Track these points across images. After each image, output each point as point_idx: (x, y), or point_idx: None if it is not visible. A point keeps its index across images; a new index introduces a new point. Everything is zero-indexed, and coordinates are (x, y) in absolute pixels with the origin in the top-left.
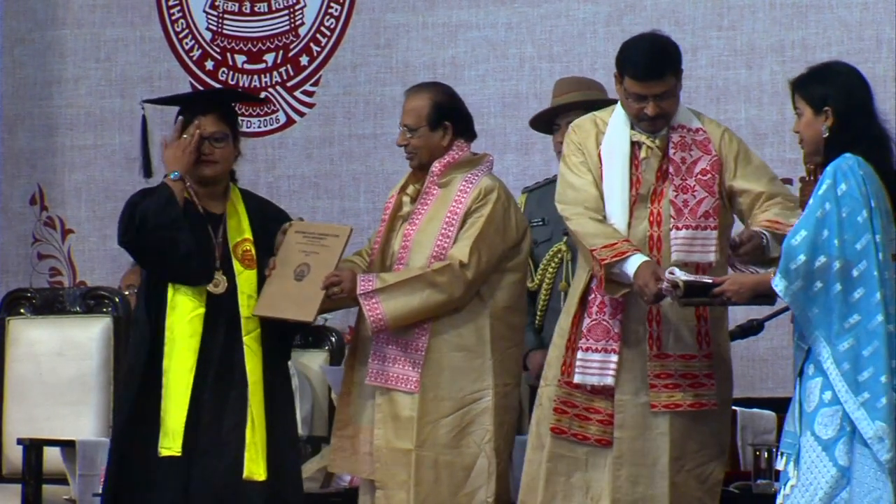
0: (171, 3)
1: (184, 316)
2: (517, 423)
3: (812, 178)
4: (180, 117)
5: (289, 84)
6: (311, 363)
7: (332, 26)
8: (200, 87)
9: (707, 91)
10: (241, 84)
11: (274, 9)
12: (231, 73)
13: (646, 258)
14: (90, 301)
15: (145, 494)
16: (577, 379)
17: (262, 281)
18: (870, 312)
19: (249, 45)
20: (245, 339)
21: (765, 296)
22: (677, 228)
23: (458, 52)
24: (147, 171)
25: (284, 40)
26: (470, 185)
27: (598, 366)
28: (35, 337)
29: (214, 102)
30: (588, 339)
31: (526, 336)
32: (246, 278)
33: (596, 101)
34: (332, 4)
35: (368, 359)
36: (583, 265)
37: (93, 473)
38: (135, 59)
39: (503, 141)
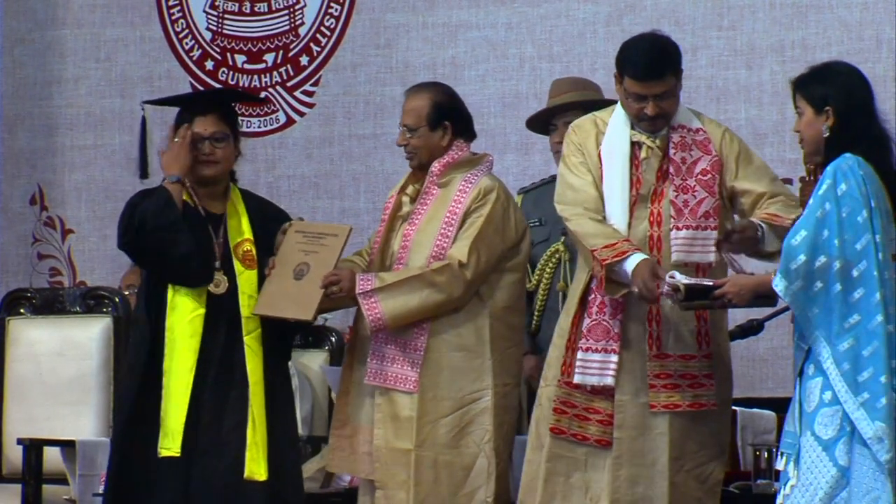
0: (171, 3)
1: (184, 316)
2: (517, 424)
3: (812, 178)
4: (174, 121)
5: (289, 84)
6: (311, 363)
7: (332, 26)
8: (200, 87)
9: (707, 91)
10: (241, 84)
11: (274, 9)
12: (231, 73)
13: (645, 256)
14: (90, 301)
15: (145, 495)
16: (576, 379)
17: (262, 281)
18: (870, 312)
19: (249, 45)
20: (246, 338)
21: (765, 297)
22: (677, 228)
23: (458, 52)
24: (143, 173)
25: (284, 40)
26: (469, 185)
27: (597, 366)
28: (35, 337)
29: (214, 102)
30: (588, 340)
31: None
32: (247, 278)
33: (593, 102)
34: (332, 4)
35: (367, 358)
36: (582, 266)
37: (93, 473)
38: (135, 59)
39: (503, 141)
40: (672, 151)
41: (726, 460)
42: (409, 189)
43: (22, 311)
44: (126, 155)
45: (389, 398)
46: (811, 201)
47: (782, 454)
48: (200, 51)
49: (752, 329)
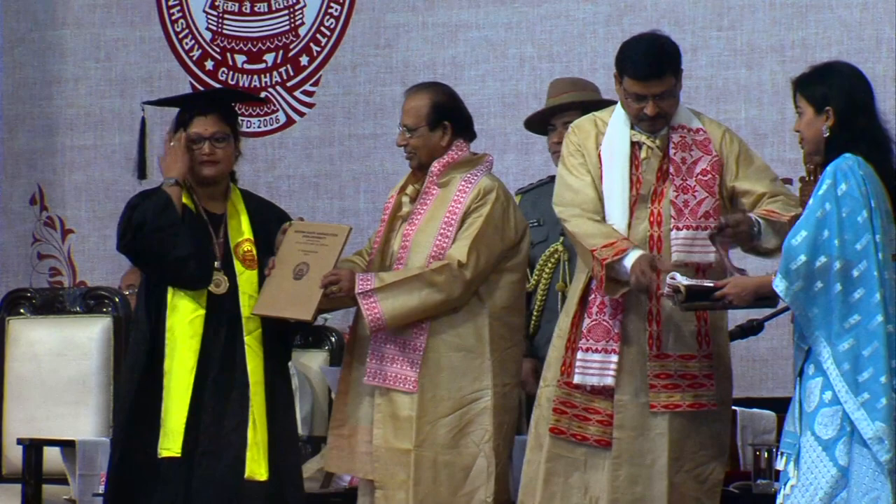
0: (171, 3)
1: (185, 317)
2: (516, 424)
3: (812, 178)
4: (173, 121)
5: (289, 84)
6: (311, 363)
7: (332, 26)
8: (200, 87)
9: (707, 91)
10: (241, 84)
11: (274, 9)
12: (231, 73)
13: (643, 251)
14: (90, 301)
15: (145, 495)
16: (576, 379)
17: (262, 281)
18: (870, 313)
19: (249, 45)
20: (246, 339)
21: (766, 297)
22: (677, 229)
23: (458, 52)
24: (142, 173)
25: (284, 40)
26: (469, 185)
27: (598, 366)
28: (35, 337)
29: (215, 103)
30: (588, 340)
31: None
32: (247, 278)
33: (591, 102)
34: (332, 4)
35: (366, 358)
36: (581, 266)
37: (93, 473)
38: (135, 59)
39: (503, 141)
40: (672, 151)
41: (726, 460)
42: (409, 189)
43: (22, 311)
44: (126, 155)
45: (389, 398)
46: (811, 201)
47: (782, 454)
48: (200, 51)
49: (752, 329)
